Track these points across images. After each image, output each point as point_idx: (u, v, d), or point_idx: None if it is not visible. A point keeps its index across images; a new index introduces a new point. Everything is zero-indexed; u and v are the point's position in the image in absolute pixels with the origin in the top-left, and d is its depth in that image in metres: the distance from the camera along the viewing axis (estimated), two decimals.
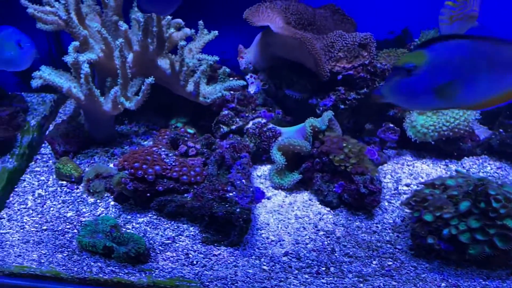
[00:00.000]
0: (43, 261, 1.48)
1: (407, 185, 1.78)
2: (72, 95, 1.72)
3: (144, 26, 1.76)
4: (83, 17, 1.79)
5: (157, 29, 1.78)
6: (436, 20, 2.08)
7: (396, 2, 2.14)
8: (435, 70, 1.00)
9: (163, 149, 1.73)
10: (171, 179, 1.64)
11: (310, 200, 1.73)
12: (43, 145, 2.04)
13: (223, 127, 1.90)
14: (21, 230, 1.62)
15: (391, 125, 1.87)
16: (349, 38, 1.81)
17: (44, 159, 1.96)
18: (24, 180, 1.85)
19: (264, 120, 1.91)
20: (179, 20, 1.94)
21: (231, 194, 1.56)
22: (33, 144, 1.98)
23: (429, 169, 1.85)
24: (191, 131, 1.90)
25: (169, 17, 1.86)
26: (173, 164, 1.67)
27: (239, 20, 2.20)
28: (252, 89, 2.03)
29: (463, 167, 1.85)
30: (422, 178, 1.81)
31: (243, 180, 1.62)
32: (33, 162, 1.94)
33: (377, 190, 1.63)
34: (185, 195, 1.65)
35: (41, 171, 1.89)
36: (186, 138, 1.81)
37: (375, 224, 1.63)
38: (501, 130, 1.85)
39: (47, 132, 2.09)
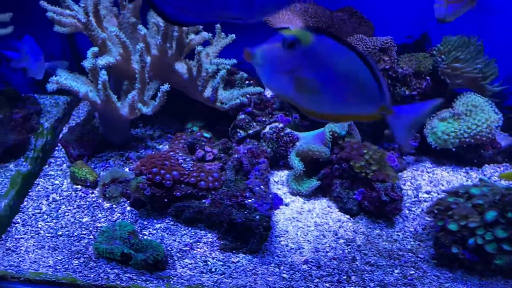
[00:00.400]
0: (59, 267, 1.45)
1: (428, 192, 1.75)
2: (89, 99, 1.70)
3: (164, 31, 1.74)
4: (101, 19, 1.77)
5: (178, 34, 1.76)
6: (456, 25, 2.06)
7: (415, 6, 2.11)
8: (309, 58, 0.91)
9: (180, 154, 1.70)
10: (188, 184, 1.62)
11: (329, 207, 1.70)
12: (57, 148, 2.01)
13: (240, 131, 1.87)
14: (36, 235, 1.60)
15: None
16: (370, 42, 1.78)
17: (58, 163, 1.94)
18: (38, 184, 1.83)
19: (281, 125, 1.89)
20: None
21: (250, 200, 1.54)
22: (47, 147, 1.96)
23: (449, 177, 1.82)
24: (207, 135, 1.87)
25: None
26: (191, 169, 1.64)
27: (253, 24, 2.18)
28: (268, 93, 2.01)
29: (484, 174, 1.82)
30: (442, 185, 1.78)
31: (262, 186, 1.59)
32: (46, 166, 1.92)
33: (398, 197, 1.60)
34: (203, 201, 1.62)
35: (55, 175, 1.87)
36: (203, 143, 1.78)
37: (396, 232, 1.60)
38: None
39: (60, 135, 2.07)
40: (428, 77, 1.83)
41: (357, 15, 2.07)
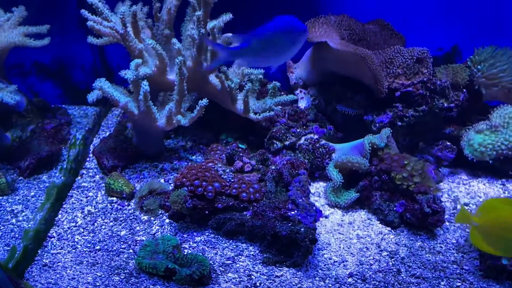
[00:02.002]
0: (98, 284, 1.42)
1: (466, 204, 1.75)
2: (127, 109, 1.69)
3: (199, 44, 1.74)
4: (139, 30, 1.77)
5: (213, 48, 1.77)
6: (486, 37, 2.07)
7: (445, 18, 2.13)
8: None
9: (219, 165, 1.69)
10: (230, 196, 1.61)
11: (369, 219, 1.69)
12: (88, 159, 2.00)
13: (277, 142, 1.86)
14: (73, 250, 1.57)
15: (448, 143, 1.85)
16: (407, 53, 1.79)
17: (91, 174, 1.92)
18: (72, 196, 1.81)
19: (316, 136, 1.88)
20: (229, 35, 1.92)
21: (293, 212, 1.53)
22: (79, 159, 1.94)
23: (486, 189, 1.82)
24: (242, 146, 1.87)
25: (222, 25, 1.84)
26: (232, 180, 1.63)
27: None
28: (302, 104, 2.01)
29: None
30: (479, 197, 1.77)
31: (304, 198, 1.58)
32: (79, 177, 1.90)
33: (441, 209, 1.59)
34: (244, 213, 1.61)
35: (89, 186, 1.85)
36: (240, 154, 1.77)
37: (438, 244, 1.59)
38: None
39: (91, 146, 2.06)
40: (465, 89, 1.83)
41: (388, 28, 2.08)
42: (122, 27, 1.69)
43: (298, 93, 2.06)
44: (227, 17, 1.91)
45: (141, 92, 1.63)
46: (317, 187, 1.85)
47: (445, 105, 1.80)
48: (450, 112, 1.82)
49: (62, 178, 1.82)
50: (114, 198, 1.78)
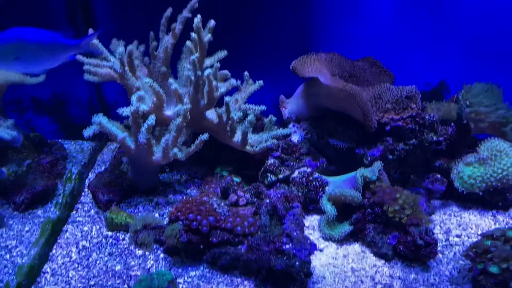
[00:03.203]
0: None
1: (458, 236, 1.77)
2: (125, 144, 1.72)
3: (195, 83, 1.79)
4: (135, 69, 1.82)
5: (208, 89, 1.82)
6: (475, 73, 2.15)
7: (432, 54, 2.21)
8: None
9: (214, 199, 1.71)
10: (225, 230, 1.62)
11: (363, 252, 1.71)
12: (83, 193, 2.01)
13: (271, 176, 1.89)
14: (67, 286, 1.56)
15: (439, 175, 1.88)
16: (396, 91, 1.85)
17: (86, 209, 1.92)
18: (67, 231, 1.81)
19: (309, 169, 1.91)
20: (226, 72, 1.98)
21: (287, 246, 1.53)
22: (74, 193, 1.95)
23: (477, 220, 1.85)
24: (237, 179, 1.89)
25: (216, 69, 1.89)
26: (226, 214, 1.65)
27: (275, 69, 2.26)
28: (295, 138, 2.05)
29: (511, 217, 1.85)
30: (471, 229, 1.80)
31: (298, 232, 1.60)
32: (74, 212, 1.91)
33: (433, 241, 1.61)
34: (239, 246, 1.61)
35: (84, 221, 1.85)
36: (235, 187, 1.79)
37: (432, 276, 1.60)
38: None
39: (87, 181, 2.07)
40: (453, 124, 1.88)
41: (377, 65, 2.15)
42: (120, 66, 1.74)
43: (291, 127, 2.11)
44: (222, 54, 1.97)
45: (146, 124, 1.67)
46: (311, 220, 1.86)
47: (434, 138, 1.85)
48: (439, 145, 1.86)
49: (57, 212, 1.82)
50: (109, 233, 1.78)
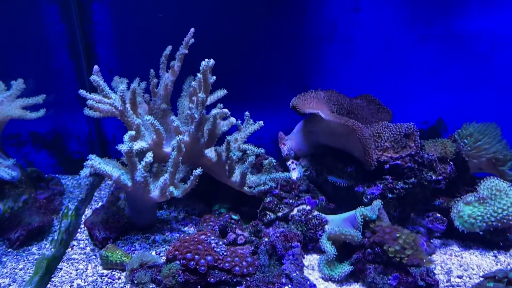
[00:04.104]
0: None
1: (460, 277, 1.74)
2: (120, 182, 1.71)
3: (198, 122, 1.80)
4: (137, 106, 1.83)
5: (212, 127, 1.83)
6: (471, 112, 2.17)
7: (430, 93, 2.24)
8: None
9: (212, 237, 1.68)
10: (223, 270, 1.59)
11: None
12: (79, 230, 1.98)
13: (270, 214, 1.87)
14: None
15: (439, 215, 1.87)
16: (395, 129, 1.86)
17: (81, 246, 1.89)
18: (61, 269, 1.77)
19: (308, 207, 1.90)
20: (225, 111, 1.99)
21: (287, 287, 1.51)
22: (70, 230, 1.92)
23: (478, 260, 1.82)
24: (235, 217, 1.87)
25: (219, 109, 1.90)
26: (225, 253, 1.62)
27: (274, 105, 2.28)
28: (294, 175, 2.04)
29: None
30: (473, 269, 1.77)
31: (298, 272, 1.57)
32: (69, 249, 1.87)
33: (434, 282, 1.58)
34: (237, 287, 1.58)
35: (79, 258, 1.82)
36: (233, 225, 1.77)
37: None
38: None
39: (83, 217, 2.05)
40: (451, 162, 1.89)
41: (375, 102, 2.18)
42: (121, 104, 1.75)
43: (290, 164, 2.11)
44: (221, 93, 1.99)
45: (143, 162, 1.66)
46: (311, 260, 1.83)
47: (433, 177, 1.85)
48: (439, 184, 1.86)
49: (52, 250, 1.79)
50: (105, 271, 1.74)
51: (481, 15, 2.10)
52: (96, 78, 1.77)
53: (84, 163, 1.69)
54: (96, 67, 1.77)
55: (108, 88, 1.80)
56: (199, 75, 1.80)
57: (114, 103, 1.75)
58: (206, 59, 1.79)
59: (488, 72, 2.19)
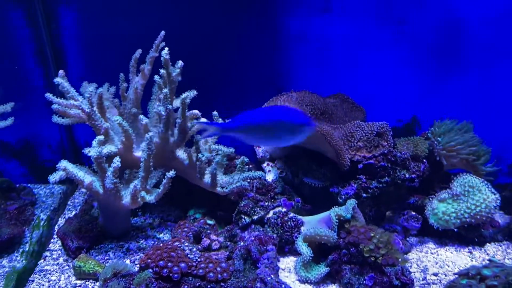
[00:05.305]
0: None
1: (435, 274, 1.74)
2: (92, 189, 1.68)
3: (166, 119, 1.78)
4: (105, 110, 1.80)
5: (181, 121, 1.80)
6: (443, 109, 2.18)
7: (403, 91, 2.24)
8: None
9: (186, 244, 1.66)
10: (197, 276, 1.56)
11: None
12: (52, 240, 1.94)
13: (245, 217, 1.86)
14: None
15: (413, 213, 1.88)
16: (367, 128, 1.85)
17: (54, 256, 1.85)
18: (33, 281, 1.73)
19: (284, 209, 1.89)
20: (196, 111, 1.97)
21: None
22: (43, 240, 1.88)
23: (453, 257, 1.83)
24: (211, 222, 1.85)
25: (188, 101, 1.88)
26: (198, 260, 1.60)
27: (249, 107, 2.25)
28: (269, 177, 2.03)
29: (487, 254, 1.84)
30: (448, 266, 1.78)
31: (272, 276, 1.56)
32: (42, 260, 1.83)
33: (409, 281, 1.58)
34: None
35: (52, 270, 1.78)
36: (208, 231, 1.75)
37: None
38: None
39: (56, 226, 2.01)
40: (425, 160, 1.89)
41: (349, 101, 2.18)
42: (88, 106, 1.72)
43: (265, 166, 2.09)
44: (191, 94, 1.97)
45: (111, 168, 1.63)
46: (288, 262, 1.82)
47: (407, 176, 1.85)
48: (412, 182, 1.86)
49: (23, 262, 1.75)
50: (78, 282, 1.71)
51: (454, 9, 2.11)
52: (61, 80, 1.73)
53: (57, 165, 1.64)
54: (61, 71, 1.73)
55: (75, 91, 1.76)
56: (162, 70, 1.78)
57: (81, 106, 1.72)
58: (165, 48, 1.77)
59: (461, 68, 2.20)
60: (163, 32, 1.90)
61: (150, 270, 1.55)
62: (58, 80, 1.74)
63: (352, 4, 2.11)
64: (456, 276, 1.55)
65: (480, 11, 2.09)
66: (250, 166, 2.10)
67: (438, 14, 2.11)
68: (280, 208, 1.90)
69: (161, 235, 1.92)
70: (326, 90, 2.21)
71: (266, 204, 1.91)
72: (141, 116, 1.84)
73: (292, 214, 1.87)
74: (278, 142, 1.52)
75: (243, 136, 1.50)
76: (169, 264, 1.55)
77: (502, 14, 2.09)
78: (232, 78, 2.29)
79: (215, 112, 2.00)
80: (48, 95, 1.76)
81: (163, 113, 1.79)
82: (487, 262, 1.68)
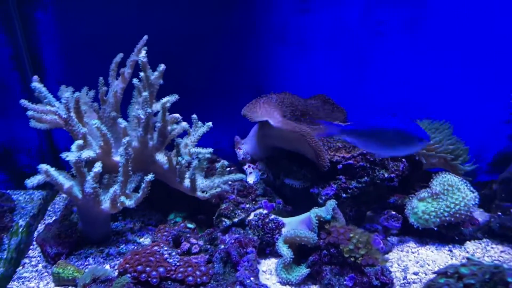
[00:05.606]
0: None
1: (416, 273, 1.75)
2: (71, 194, 1.66)
3: (145, 122, 1.76)
4: (82, 115, 1.78)
5: (161, 125, 1.79)
6: (422, 109, 2.20)
7: (383, 91, 2.25)
8: None
9: (165, 248, 1.65)
10: (176, 281, 1.56)
11: None
12: (31, 247, 1.92)
13: (225, 220, 1.85)
14: None
15: (393, 212, 1.88)
16: None
17: (33, 263, 1.83)
18: None
19: (265, 211, 1.88)
20: (176, 115, 1.96)
21: None
22: (21, 247, 1.86)
23: (434, 256, 1.84)
24: (191, 226, 1.84)
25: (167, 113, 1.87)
26: (178, 264, 1.59)
27: (231, 109, 2.25)
28: (251, 179, 2.02)
29: (467, 251, 1.85)
30: (428, 265, 1.78)
31: (252, 279, 1.55)
32: (20, 267, 1.81)
33: (389, 281, 1.58)
34: None
35: (30, 277, 1.76)
36: (187, 234, 1.74)
37: None
38: (499, 213, 1.88)
39: (35, 233, 1.99)
40: (404, 159, 1.90)
41: (330, 102, 2.18)
42: (65, 112, 1.70)
43: (246, 168, 2.09)
44: (173, 98, 1.96)
45: (92, 172, 1.61)
46: (269, 264, 1.82)
47: (386, 175, 1.85)
48: (392, 182, 1.87)
49: (1, 269, 1.73)
50: None
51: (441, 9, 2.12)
52: (37, 85, 1.71)
53: (38, 168, 1.62)
54: (35, 77, 1.71)
55: (52, 96, 1.74)
56: (142, 73, 1.77)
57: (58, 111, 1.70)
58: (143, 51, 1.76)
59: (440, 68, 2.21)
60: (145, 37, 1.89)
61: (129, 275, 1.54)
62: (34, 85, 1.72)
63: (331, 3, 2.12)
64: (435, 275, 1.55)
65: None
66: (232, 168, 2.10)
67: (408, 13, 2.13)
68: (261, 210, 1.89)
69: (141, 240, 1.91)
70: (307, 91, 2.21)
71: (247, 206, 1.90)
72: (120, 120, 1.82)
73: (273, 216, 1.87)
74: (391, 152, 1.58)
75: (359, 141, 1.57)
76: (147, 268, 1.54)
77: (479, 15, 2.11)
78: (213, 81, 2.28)
79: (194, 116, 1.99)
80: (23, 102, 1.74)
81: (142, 116, 1.78)
82: (465, 260, 1.68)
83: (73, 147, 1.64)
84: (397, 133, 1.51)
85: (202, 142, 2.00)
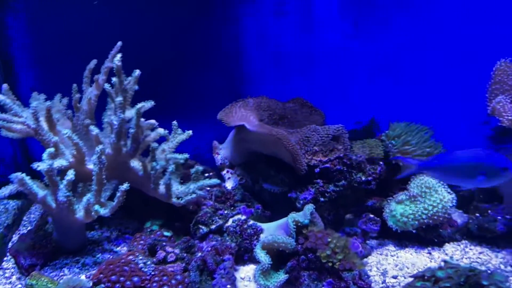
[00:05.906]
0: None
1: (394, 277, 1.74)
2: (45, 203, 1.63)
3: (118, 129, 1.74)
4: (54, 123, 1.75)
5: (134, 131, 1.76)
6: (400, 112, 2.20)
7: (362, 93, 2.25)
8: None
9: (140, 257, 1.62)
10: None
11: None
12: (5, 258, 1.88)
13: (202, 227, 1.83)
14: None
15: (372, 215, 1.88)
16: (323, 131, 1.85)
17: (7, 275, 1.79)
18: None
19: (244, 217, 1.86)
20: (152, 121, 1.93)
21: None
22: None
23: (413, 258, 1.83)
24: (168, 234, 1.82)
25: (142, 119, 1.85)
26: (153, 273, 1.56)
27: (210, 114, 2.23)
28: (229, 185, 2.01)
29: (446, 253, 1.85)
30: (407, 268, 1.78)
31: (229, 286, 1.53)
32: None
33: (367, 286, 1.57)
34: None
35: None
36: (164, 243, 1.72)
37: None
38: (477, 214, 1.88)
39: (10, 244, 1.94)
40: (381, 162, 1.90)
41: (307, 105, 2.17)
42: (34, 122, 1.67)
43: (225, 174, 2.07)
44: (148, 104, 1.93)
45: (65, 181, 1.58)
46: (247, 271, 1.80)
47: (363, 178, 1.85)
48: (369, 185, 1.86)
49: None
50: None
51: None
52: (3, 97, 1.68)
53: (11, 177, 1.58)
54: (5, 85, 1.68)
55: (18, 106, 1.71)
56: (114, 78, 1.75)
57: (26, 122, 1.66)
58: (117, 55, 1.74)
59: (419, 70, 2.22)
60: (119, 43, 1.87)
61: (103, 285, 1.51)
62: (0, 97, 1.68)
63: (306, 6, 2.11)
64: (412, 278, 1.54)
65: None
66: (211, 174, 2.08)
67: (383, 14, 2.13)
68: (239, 216, 1.87)
69: (118, 249, 1.88)
70: (285, 95, 2.20)
71: (225, 212, 1.88)
72: (92, 127, 1.79)
73: (251, 222, 1.85)
74: (474, 183, 1.56)
75: (440, 175, 1.60)
76: (121, 278, 1.51)
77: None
78: (194, 86, 2.26)
79: (174, 122, 1.97)
80: None
81: (115, 122, 1.75)
82: (442, 263, 1.68)
83: (45, 155, 1.61)
84: (480, 166, 1.51)
85: (181, 147, 1.98)
